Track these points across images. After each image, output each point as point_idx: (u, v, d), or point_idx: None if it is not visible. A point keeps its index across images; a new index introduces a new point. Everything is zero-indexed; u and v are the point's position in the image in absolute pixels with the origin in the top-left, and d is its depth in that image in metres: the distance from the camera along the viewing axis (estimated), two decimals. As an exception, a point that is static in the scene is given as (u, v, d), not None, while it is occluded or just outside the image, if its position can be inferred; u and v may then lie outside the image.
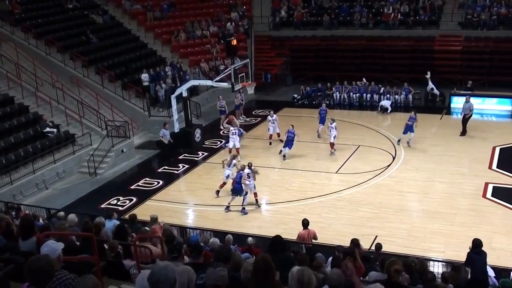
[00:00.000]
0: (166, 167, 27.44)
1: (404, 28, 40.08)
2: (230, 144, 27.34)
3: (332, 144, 27.03)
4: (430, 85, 34.37)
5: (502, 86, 34.53)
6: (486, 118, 32.82)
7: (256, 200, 22.56)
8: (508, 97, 33.65)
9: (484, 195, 22.61)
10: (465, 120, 29.50)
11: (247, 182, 21.81)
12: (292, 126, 26.61)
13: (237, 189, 21.79)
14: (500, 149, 27.25)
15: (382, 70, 38.21)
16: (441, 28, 39.52)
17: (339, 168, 25.69)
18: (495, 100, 33.91)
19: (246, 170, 22.00)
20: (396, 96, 35.13)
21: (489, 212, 21.19)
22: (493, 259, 16.43)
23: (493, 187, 23.25)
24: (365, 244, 16.66)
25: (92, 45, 36.29)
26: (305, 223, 16.64)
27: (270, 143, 29.15)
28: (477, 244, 13.36)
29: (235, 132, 27.13)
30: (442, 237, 19.52)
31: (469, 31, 38.68)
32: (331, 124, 27.11)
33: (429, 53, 38.32)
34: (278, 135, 29.02)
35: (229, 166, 23.65)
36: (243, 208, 22.04)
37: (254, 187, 22.28)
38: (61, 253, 6.91)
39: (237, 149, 27.15)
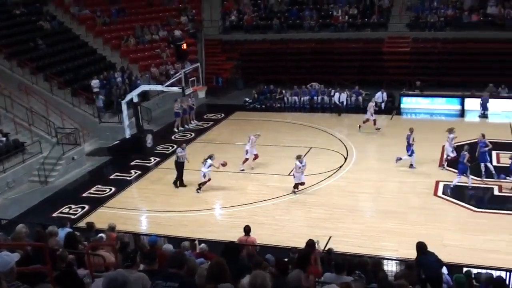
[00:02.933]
0: (118, 174, 27.14)
1: (353, 31, 40.55)
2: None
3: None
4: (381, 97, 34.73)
5: (450, 86, 35.16)
6: (436, 118, 33.38)
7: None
8: (457, 97, 34.29)
9: (435, 193, 22.98)
10: None
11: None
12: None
13: None
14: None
15: (332, 73, 38.48)
16: (390, 30, 40.12)
17: (292, 171, 25.79)
18: (444, 99, 34.57)
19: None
20: (347, 98, 35.45)
21: (440, 210, 21.55)
22: (445, 255, 16.67)
23: (444, 185, 23.67)
24: (320, 245, 16.73)
25: (41, 51, 35.70)
26: (246, 230, 16.60)
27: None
28: (420, 247, 13.45)
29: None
30: (395, 236, 19.74)
31: (417, 32, 39.36)
32: None
33: (378, 55, 38.87)
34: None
35: (204, 166, 23.83)
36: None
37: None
38: (14, 265, 6.75)
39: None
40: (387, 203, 22.25)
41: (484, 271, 14.54)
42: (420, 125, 30.72)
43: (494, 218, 20.90)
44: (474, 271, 14.60)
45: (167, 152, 29.57)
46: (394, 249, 18.87)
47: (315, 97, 36.39)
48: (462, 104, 34.15)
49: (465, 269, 14.80)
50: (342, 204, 22.37)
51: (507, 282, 13.81)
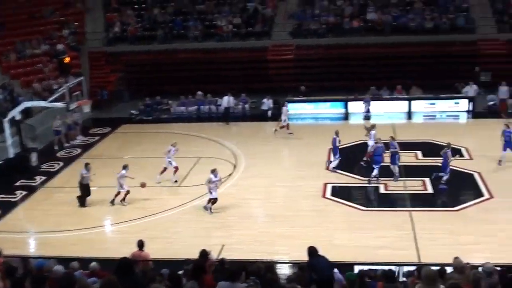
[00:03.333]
0: (2, 196, 25.97)
1: (237, 40, 40.87)
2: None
3: None
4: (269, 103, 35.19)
5: (334, 90, 36.03)
6: (321, 122, 34.16)
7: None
8: (341, 101, 35.25)
9: (323, 195, 23.50)
10: None
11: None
12: None
13: None
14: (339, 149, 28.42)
15: (218, 82, 38.56)
16: (273, 38, 40.76)
17: (182, 181, 25.65)
18: (328, 104, 35.45)
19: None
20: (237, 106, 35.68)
21: (329, 211, 22.08)
22: (336, 255, 17.12)
23: (332, 186, 24.25)
24: (214, 254, 16.74)
25: None
26: (140, 244, 16.39)
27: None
28: (311, 251, 13.63)
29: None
30: (287, 239, 20.02)
31: (300, 40, 40.20)
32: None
33: (263, 63, 39.39)
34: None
35: (121, 178, 23.48)
36: None
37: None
38: None
39: None
40: (277, 207, 22.53)
41: (375, 267, 14.99)
42: (306, 130, 31.50)
43: (381, 215, 21.64)
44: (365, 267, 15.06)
45: (53, 170, 28.63)
46: (286, 252, 19.16)
47: (202, 107, 36.42)
48: (346, 107, 35.13)
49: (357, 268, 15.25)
50: (234, 212, 22.46)
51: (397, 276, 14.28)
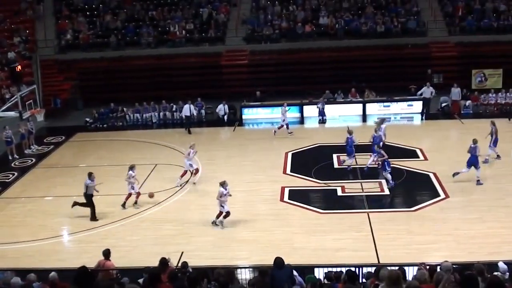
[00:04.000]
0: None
1: (191, 46, 40.76)
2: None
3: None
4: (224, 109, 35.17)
5: (289, 95, 36.20)
6: (276, 126, 34.20)
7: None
8: (296, 105, 35.39)
9: (281, 199, 23.57)
10: None
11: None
12: None
13: None
14: (292, 154, 28.60)
15: (173, 88, 38.37)
16: (227, 43, 40.82)
17: (139, 189, 25.38)
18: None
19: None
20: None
21: (287, 215, 22.11)
22: (296, 258, 17.22)
23: (289, 190, 24.34)
24: (173, 262, 16.63)
25: None
26: (105, 253, 16.22)
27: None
28: (276, 263, 13.54)
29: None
30: (246, 244, 20.03)
31: (253, 45, 40.35)
32: None
33: (218, 69, 39.40)
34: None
35: (130, 178, 23.36)
36: None
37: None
38: None
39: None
40: (236, 212, 22.39)
41: (335, 269, 15.07)
42: (262, 135, 31.56)
43: (339, 217, 21.76)
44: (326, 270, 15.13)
45: (8, 180, 28.05)
46: (246, 257, 19.15)
47: (157, 113, 36.19)
48: (302, 111, 35.31)
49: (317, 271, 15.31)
50: (192, 218, 22.33)
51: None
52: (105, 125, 36.03)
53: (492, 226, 20.44)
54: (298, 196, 23.78)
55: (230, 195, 21.49)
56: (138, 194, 23.68)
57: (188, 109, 33.77)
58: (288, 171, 26.66)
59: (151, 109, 36.34)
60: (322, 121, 33.84)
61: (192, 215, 22.60)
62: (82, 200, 22.82)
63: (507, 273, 12.41)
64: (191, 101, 34.59)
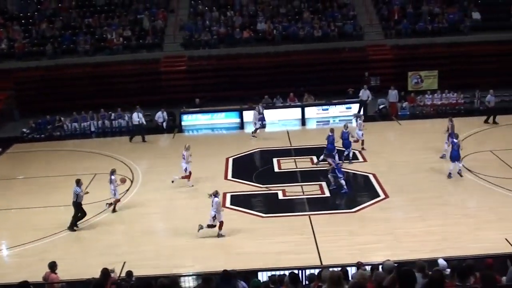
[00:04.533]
0: None
1: (129, 53, 40.35)
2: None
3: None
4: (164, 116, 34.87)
5: (228, 100, 36.25)
6: (217, 132, 34.26)
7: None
8: (235, 110, 35.46)
9: (223, 205, 23.49)
10: None
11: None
12: None
13: None
14: (233, 159, 28.61)
15: (111, 96, 37.88)
16: (165, 50, 40.59)
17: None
18: (223, 114, 35.56)
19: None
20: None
21: (230, 220, 21.96)
22: (240, 263, 17.26)
23: (231, 196, 24.33)
24: (117, 272, 16.44)
25: None
26: (50, 266, 15.93)
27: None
28: (223, 276, 13.46)
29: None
30: (190, 251, 19.92)
31: (192, 51, 40.21)
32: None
33: (156, 75, 39.13)
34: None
35: (110, 183, 23.10)
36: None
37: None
38: None
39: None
40: (178, 220, 22.35)
41: (279, 273, 15.15)
42: (202, 141, 31.50)
43: (282, 221, 21.86)
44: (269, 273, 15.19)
45: None
46: (190, 265, 19.07)
47: (95, 122, 35.64)
48: (241, 117, 35.35)
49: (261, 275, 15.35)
50: (134, 227, 22.11)
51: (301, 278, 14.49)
52: (42, 136, 35.30)
53: (432, 224, 20.87)
54: (239, 201, 23.79)
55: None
56: (117, 200, 23.60)
57: (137, 117, 33.24)
58: (229, 176, 26.66)
59: (89, 118, 35.78)
60: (262, 126, 33.96)
61: (134, 224, 22.38)
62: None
63: (448, 270, 12.66)
64: (133, 109, 34.20)
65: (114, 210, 23.55)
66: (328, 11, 42.26)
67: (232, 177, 26.53)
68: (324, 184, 24.81)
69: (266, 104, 35.11)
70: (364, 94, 35.18)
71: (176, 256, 19.74)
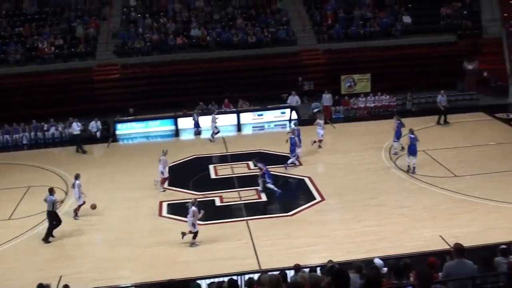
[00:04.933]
0: None
1: (60, 62, 39.57)
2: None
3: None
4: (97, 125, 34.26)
5: (163, 108, 35.97)
6: (152, 140, 33.94)
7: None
8: (170, 118, 35.23)
9: (160, 214, 23.36)
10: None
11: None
12: None
13: None
14: (169, 167, 28.32)
15: (43, 106, 36.92)
16: (98, 58, 40.00)
17: (12, 214, 24.36)
18: (158, 122, 35.25)
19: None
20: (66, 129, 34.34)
21: (168, 229, 21.92)
22: (180, 271, 17.21)
23: (168, 204, 24.19)
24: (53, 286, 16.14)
25: None
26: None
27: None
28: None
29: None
30: (129, 262, 19.75)
31: (125, 58, 39.79)
32: None
33: (89, 84, 38.53)
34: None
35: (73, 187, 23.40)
36: None
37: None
38: None
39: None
40: (115, 231, 22.08)
41: (217, 279, 15.14)
42: (137, 149, 31.22)
43: (220, 228, 21.86)
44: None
45: None
46: (129, 276, 18.90)
47: (28, 134, 34.76)
48: (176, 124, 35.14)
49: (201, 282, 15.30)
50: (70, 240, 21.69)
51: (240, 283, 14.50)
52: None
53: (368, 225, 21.27)
54: (177, 209, 23.59)
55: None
56: (81, 204, 23.42)
57: (76, 126, 32.50)
58: (166, 185, 26.41)
59: (21, 130, 34.89)
60: (198, 133, 33.87)
61: (70, 237, 21.93)
62: None
63: (384, 268, 12.86)
64: (66, 119, 33.57)
65: (76, 216, 23.38)
66: (261, 17, 42.50)
67: (169, 185, 26.30)
68: (260, 189, 24.89)
69: (201, 110, 35.01)
70: (293, 100, 35.65)
71: (115, 267, 19.52)
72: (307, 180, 25.92)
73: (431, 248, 18.89)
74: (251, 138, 33.90)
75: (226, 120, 35.05)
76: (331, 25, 41.85)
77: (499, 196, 23.20)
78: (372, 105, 36.61)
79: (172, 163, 28.65)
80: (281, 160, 28.33)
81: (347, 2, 43.77)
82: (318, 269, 16.00)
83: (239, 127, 35.15)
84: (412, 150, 25.94)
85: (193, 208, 20.45)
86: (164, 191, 25.61)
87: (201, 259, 19.55)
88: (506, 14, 42.39)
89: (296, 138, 27.68)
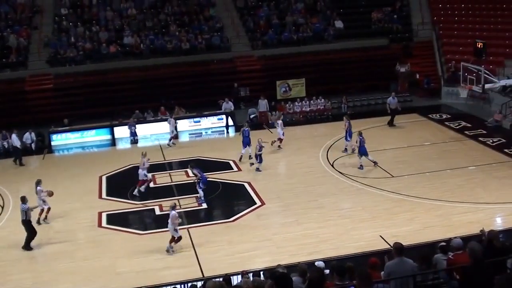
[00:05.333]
0: None
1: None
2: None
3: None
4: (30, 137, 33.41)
5: (98, 117, 35.41)
6: (88, 150, 33.36)
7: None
8: (106, 127, 34.71)
9: (99, 225, 22.96)
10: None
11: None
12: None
13: None
14: (107, 177, 27.98)
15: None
16: (30, 68, 39.05)
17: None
18: (93, 131, 34.68)
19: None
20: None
21: (108, 240, 21.60)
22: (121, 283, 16.92)
23: (107, 215, 23.79)
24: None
25: None
26: None
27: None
28: None
29: None
30: (69, 275, 19.28)
31: (58, 68, 39.05)
32: None
33: (21, 95, 37.59)
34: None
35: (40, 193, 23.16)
36: None
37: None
38: None
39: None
40: (54, 244, 21.56)
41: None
42: (73, 160, 30.63)
43: (160, 237, 21.54)
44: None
45: None
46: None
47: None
48: (112, 133, 34.66)
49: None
50: (8, 255, 21.00)
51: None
52: None
53: (309, 227, 21.44)
54: (116, 220, 23.33)
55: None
56: (49, 209, 23.19)
57: (16, 140, 31.55)
58: (104, 195, 26.06)
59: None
60: (134, 141, 33.49)
61: (7, 251, 21.28)
62: None
63: (326, 270, 12.95)
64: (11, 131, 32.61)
65: (45, 218, 23.33)
66: (194, 23, 42.38)
67: (107, 195, 25.94)
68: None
69: (137, 119, 34.65)
70: (227, 106, 35.93)
71: (54, 281, 19.03)
72: (246, 185, 25.97)
73: (372, 248, 19.17)
74: (189, 145, 33.68)
75: (163, 128, 34.77)
76: (265, 31, 42.08)
77: (437, 194, 23.81)
78: (308, 109, 36.95)
79: (109, 173, 28.30)
80: (219, 166, 28.31)
81: (279, 8, 44.12)
82: (261, 273, 16.07)
83: (176, 134, 34.81)
84: (362, 151, 26.85)
85: (173, 212, 20.20)
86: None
87: (143, 269, 19.29)
88: (435, 18, 43.63)
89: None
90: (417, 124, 34.07)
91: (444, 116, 35.00)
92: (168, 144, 32.69)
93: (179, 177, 27.36)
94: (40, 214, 23.22)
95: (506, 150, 28.81)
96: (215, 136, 34.74)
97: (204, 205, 24.25)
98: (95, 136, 34.68)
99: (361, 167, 26.99)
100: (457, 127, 32.89)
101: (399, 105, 34.11)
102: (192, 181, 25.71)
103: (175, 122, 33.32)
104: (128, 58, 40.04)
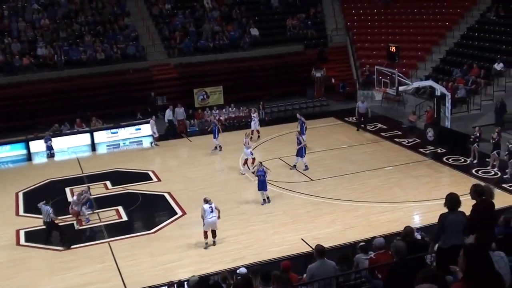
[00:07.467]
0: None
1: None
2: None
3: None
4: None
5: (13, 132, 34.40)
6: (4, 166, 32.39)
7: None
8: (21, 141, 33.71)
9: (18, 243, 22.35)
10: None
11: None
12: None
13: None
14: (24, 193, 27.25)
15: None
16: None
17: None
18: (8, 146, 33.61)
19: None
20: None
21: (27, 258, 21.04)
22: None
23: (25, 232, 23.17)
24: None
25: None
26: None
27: None
28: None
29: None
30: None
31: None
32: None
33: None
34: None
35: None
36: None
37: None
38: None
39: None
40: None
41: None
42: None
43: (81, 252, 21.25)
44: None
45: None
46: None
47: None
48: (28, 147, 33.68)
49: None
50: None
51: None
52: None
53: (231, 234, 21.57)
54: (35, 237, 22.70)
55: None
56: None
57: None
58: (21, 212, 25.34)
59: None
60: (51, 155, 32.73)
61: None
62: None
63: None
64: None
65: None
66: (109, 33, 41.84)
67: (25, 212, 25.22)
68: (120, 208, 24.53)
69: (53, 132, 33.86)
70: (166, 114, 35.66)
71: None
72: (167, 196, 25.82)
73: (294, 251, 19.45)
74: (107, 157, 33.21)
75: (79, 140, 34.14)
76: (181, 39, 41.98)
77: (356, 196, 24.45)
78: (226, 116, 37.06)
79: (26, 188, 27.60)
80: (138, 177, 28.04)
81: (194, 16, 44.11)
82: (186, 283, 16.02)
83: (93, 146, 34.20)
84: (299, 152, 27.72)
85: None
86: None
87: (64, 286, 18.92)
88: (349, 23, 44.64)
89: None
90: (334, 128, 34.77)
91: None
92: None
93: (97, 190, 26.86)
94: None
95: (421, 150, 29.90)
96: (133, 147, 34.34)
97: (125, 217, 23.98)
98: (9, 151, 33.58)
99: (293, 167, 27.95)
100: (373, 129, 33.74)
101: (369, 110, 34.64)
102: (111, 193, 25.43)
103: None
104: (42, 69, 39.04)
